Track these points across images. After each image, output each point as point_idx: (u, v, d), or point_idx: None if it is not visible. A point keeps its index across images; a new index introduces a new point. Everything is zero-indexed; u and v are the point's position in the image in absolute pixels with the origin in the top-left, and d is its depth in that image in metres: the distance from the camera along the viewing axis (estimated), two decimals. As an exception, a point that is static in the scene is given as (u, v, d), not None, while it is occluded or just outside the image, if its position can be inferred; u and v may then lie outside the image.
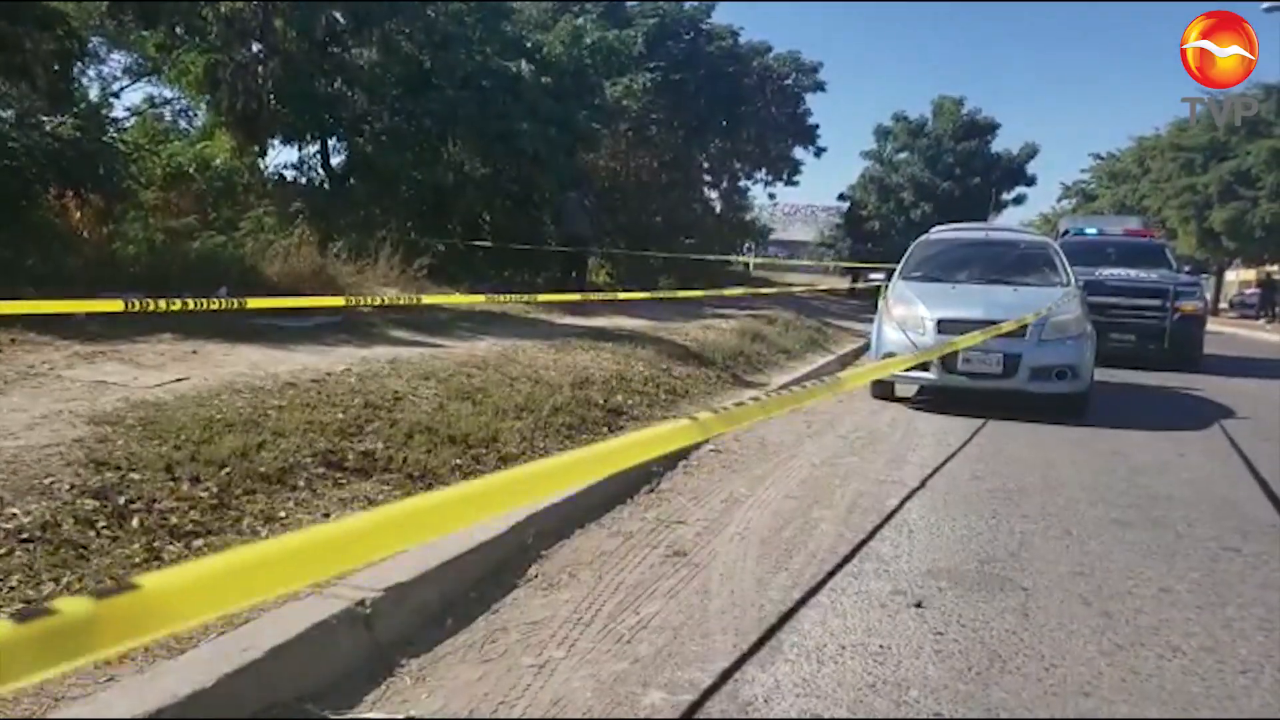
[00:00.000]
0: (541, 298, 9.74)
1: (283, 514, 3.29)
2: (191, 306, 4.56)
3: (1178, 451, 6.11)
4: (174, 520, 3.01)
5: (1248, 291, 37.57)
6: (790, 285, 22.10)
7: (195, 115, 15.77)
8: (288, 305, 5.87)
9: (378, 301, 6.63)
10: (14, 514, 2.77)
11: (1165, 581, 3.44)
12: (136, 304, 4.28)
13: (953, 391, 7.53)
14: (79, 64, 11.11)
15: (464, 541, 3.14)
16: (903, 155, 33.27)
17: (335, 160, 15.44)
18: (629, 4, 21.85)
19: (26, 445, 3.28)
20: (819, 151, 30.06)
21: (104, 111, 12.70)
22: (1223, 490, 5.03)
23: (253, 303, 5.13)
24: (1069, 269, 8.47)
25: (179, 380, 4.64)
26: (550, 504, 3.65)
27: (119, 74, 14.90)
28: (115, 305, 4.36)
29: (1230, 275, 41.91)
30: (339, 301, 6.44)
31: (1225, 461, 5.95)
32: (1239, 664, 2.72)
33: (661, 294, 12.51)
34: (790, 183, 31.01)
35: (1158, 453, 6.04)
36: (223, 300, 5.30)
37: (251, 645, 2.25)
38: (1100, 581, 3.41)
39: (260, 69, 13.23)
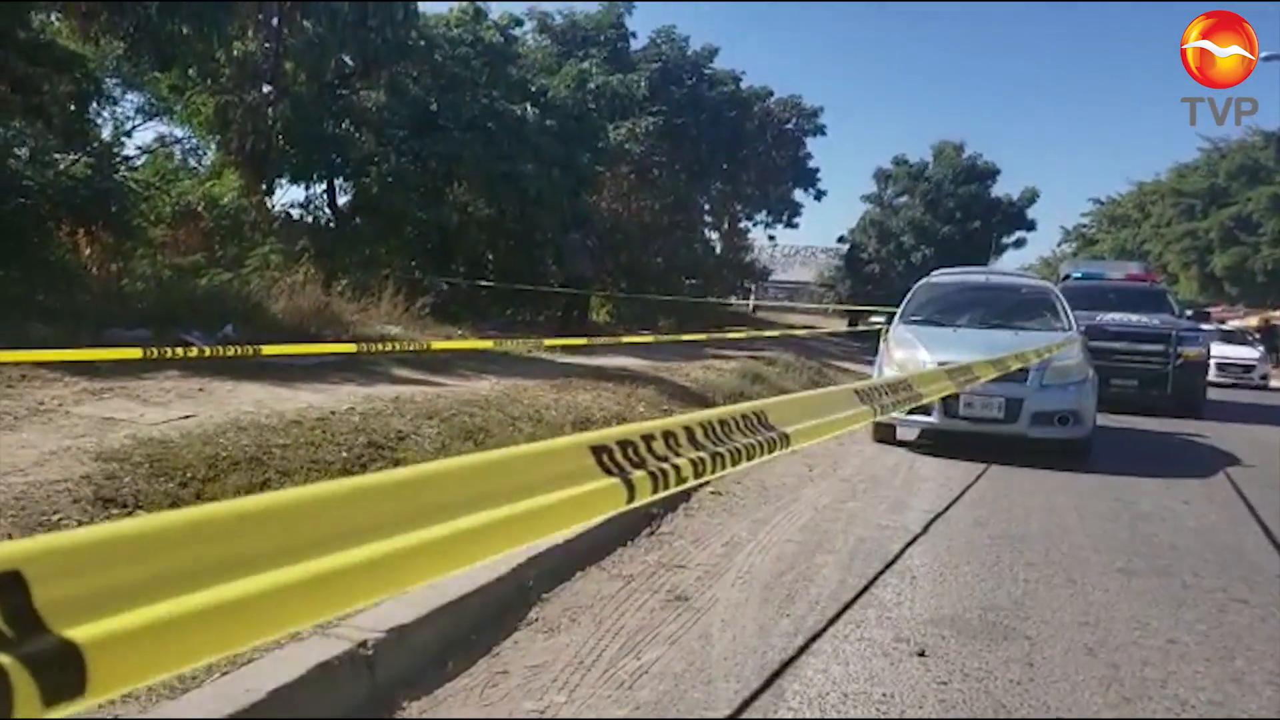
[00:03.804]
0: (548, 342, 9.78)
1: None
2: (208, 354, 4.60)
3: (1182, 499, 6.08)
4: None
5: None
6: (791, 327, 22.18)
7: (205, 154, 15.91)
8: (300, 352, 5.90)
9: (387, 348, 6.67)
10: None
11: (1172, 633, 3.42)
12: (155, 352, 4.33)
13: (954, 436, 7.52)
14: (94, 104, 11.27)
15: (465, 583, 3.13)
16: (903, 199, 33.53)
17: (341, 199, 15.61)
18: (633, 49, 22.20)
19: (35, 481, 3.29)
20: (819, 194, 30.46)
21: (116, 150, 12.83)
22: (1229, 539, 5.01)
23: (267, 350, 5.15)
24: (1070, 314, 8.50)
25: (185, 418, 4.66)
26: (550, 545, 3.64)
27: (131, 114, 15.08)
28: (134, 353, 4.40)
29: (1233, 321, 41.97)
30: (350, 348, 6.47)
31: (1231, 509, 5.92)
32: (1246, 717, 2.69)
33: (665, 337, 12.57)
34: (790, 225, 31.38)
35: (1162, 500, 6.02)
36: (238, 348, 5.33)
37: (254, 686, 2.24)
38: (1106, 632, 3.39)
39: (269, 110, 13.43)
